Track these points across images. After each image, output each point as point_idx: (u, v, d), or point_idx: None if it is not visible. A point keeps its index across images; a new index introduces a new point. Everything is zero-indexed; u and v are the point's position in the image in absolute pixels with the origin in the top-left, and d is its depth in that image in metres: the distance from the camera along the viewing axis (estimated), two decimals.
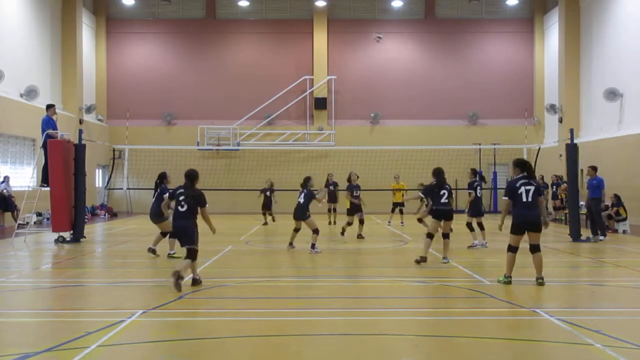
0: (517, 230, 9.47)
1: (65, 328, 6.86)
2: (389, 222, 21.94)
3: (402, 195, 21.87)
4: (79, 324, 7.03)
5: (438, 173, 12.18)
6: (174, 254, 12.68)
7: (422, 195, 13.90)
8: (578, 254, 13.80)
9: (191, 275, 9.50)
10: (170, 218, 10.51)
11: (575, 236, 16.21)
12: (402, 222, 21.49)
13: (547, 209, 25.37)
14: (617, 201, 19.06)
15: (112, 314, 7.51)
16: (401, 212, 21.73)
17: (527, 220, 9.37)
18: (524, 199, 9.36)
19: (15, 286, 9.76)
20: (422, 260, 11.63)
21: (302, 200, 13.91)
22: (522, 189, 9.39)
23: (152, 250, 13.00)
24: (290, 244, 14.31)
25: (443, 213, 11.85)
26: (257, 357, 5.97)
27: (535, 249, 9.44)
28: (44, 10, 26.40)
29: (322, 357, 5.93)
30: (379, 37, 30.38)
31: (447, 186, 12.04)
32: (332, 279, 10.66)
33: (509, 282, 9.52)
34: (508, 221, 9.76)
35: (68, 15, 27.85)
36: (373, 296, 9.06)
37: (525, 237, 9.51)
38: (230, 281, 10.09)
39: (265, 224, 22.04)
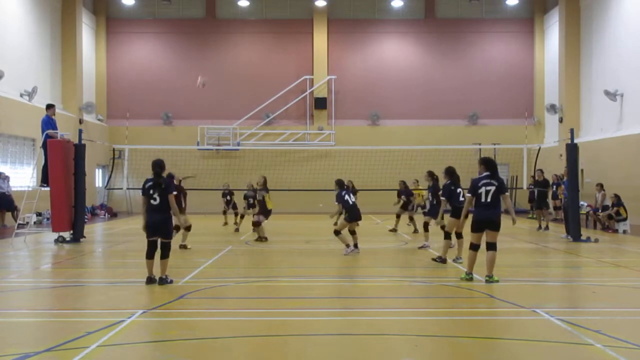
0: (476, 228, 9.73)
1: (65, 328, 6.86)
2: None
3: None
4: (79, 324, 7.02)
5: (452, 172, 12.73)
6: None
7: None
8: (578, 254, 13.79)
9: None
10: None
11: (575, 236, 16.20)
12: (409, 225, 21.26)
13: (548, 208, 25.16)
14: (617, 201, 19.07)
15: (112, 314, 7.50)
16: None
17: (484, 219, 9.63)
18: (483, 199, 9.63)
19: (15, 286, 9.76)
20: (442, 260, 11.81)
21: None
22: (483, 189, 9.65)
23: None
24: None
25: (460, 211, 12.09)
26: (257, 357, 5.97)
27: (491, 247, 9.68)
28: (44, 10, 26.40)
29: (322, 357, 5.92)
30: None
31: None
32: (332, 278, 10.65)
33: (470, 279, 9.79)
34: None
35: (68, 15, 27.85)
36: (373, 296, 9.05)
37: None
38: (230, 281, 10.09)
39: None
